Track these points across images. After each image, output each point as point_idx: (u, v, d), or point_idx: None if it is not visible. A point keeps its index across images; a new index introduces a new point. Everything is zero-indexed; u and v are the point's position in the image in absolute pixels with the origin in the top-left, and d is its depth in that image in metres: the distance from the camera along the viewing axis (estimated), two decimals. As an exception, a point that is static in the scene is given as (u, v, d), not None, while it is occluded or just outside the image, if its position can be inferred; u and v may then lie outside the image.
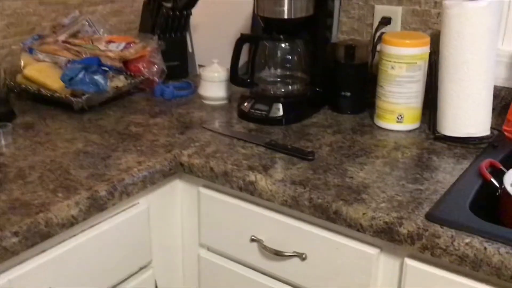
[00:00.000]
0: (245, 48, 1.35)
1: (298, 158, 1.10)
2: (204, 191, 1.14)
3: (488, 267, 0.82)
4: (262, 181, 1.02)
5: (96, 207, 0.98)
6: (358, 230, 0.93)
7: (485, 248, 0.82)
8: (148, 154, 1.12)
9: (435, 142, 1.19)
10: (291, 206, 1.00)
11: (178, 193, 1.19)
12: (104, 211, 1.00)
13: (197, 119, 1.31)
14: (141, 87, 1.48)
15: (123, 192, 1.02)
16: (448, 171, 1.05)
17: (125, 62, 1.46)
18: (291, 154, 1.11)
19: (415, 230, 0.87)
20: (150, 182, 1.07)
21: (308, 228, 1.01)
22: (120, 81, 1.37)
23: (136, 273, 1.12)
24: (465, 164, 1.08)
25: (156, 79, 1.47)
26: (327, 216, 0.96)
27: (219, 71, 1.40)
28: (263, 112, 1.27)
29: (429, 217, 0.89)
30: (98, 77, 1.27)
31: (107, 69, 1.32)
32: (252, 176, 1.04)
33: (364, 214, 0.92)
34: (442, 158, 1.11)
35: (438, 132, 1.19)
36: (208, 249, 1.19)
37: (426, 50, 1.21)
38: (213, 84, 1.39)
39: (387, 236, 0.90)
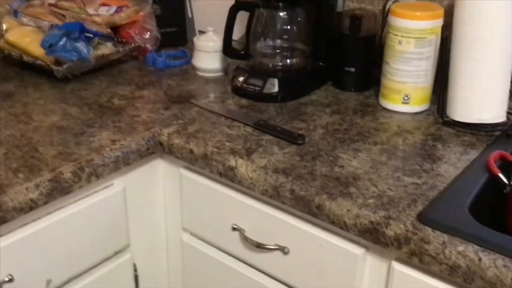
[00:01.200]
0: (245, 17, 1.24)
1: (286, 142, 1.00)
2: (186, 173, 1.05)
3: (481, 281, 0.71)
4: (242, 167, 0.93)
5: (60, 190, 0.90)
6: (341, 228, 0.83)
7: (480, 259, 0.71)
8: (125, 131, 1.04)
9: (442, 127, 1.07)
10: (272, 196, 0.90)
11: (160, 174, 1.10)
12: (71, 194, 0.93)
13: (186, 93, 1.21)
14: (134, 55, 1.39)
15: (91, 174, 0.94)
16: (452, 163, 0.94)
17: (117, 27, 1.37)
18: (279, 137, 1.01)
19: (402, 233, 0.77)
20: (123, 163, 0.99)
21: (291, 220, 0.92)
22: (107, 49, 1.28)
23: (111, 257, 1.05)
24: (473, 154, 0.97)
25: (149, 46, 1.37)
26: (309, 210, 0.86)
27: (214, 40, 1.29)
28: (257, 88, 1.17)
29: (421, 218, 0.79)
30: (79, 44, 1.18)
31: (91, 35, 1.23)
32: (232, 161, 0.95)
33: (348, 211, 0.82)
34: (448, 147, 1.00)
35: (447, 116, 1.07)
36: (192, 234, 1.11)
37: (438, 23, 1.08)
38: (208, 54, 1.29)
39: (372, 237, 0.80)
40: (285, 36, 1.23)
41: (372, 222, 0.80)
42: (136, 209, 1.08)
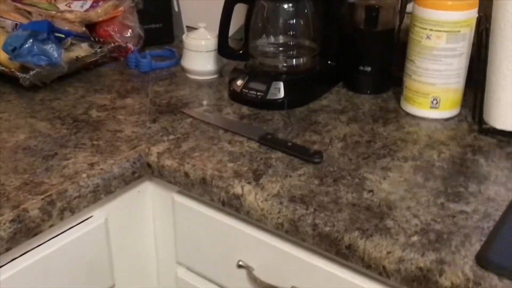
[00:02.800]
0: (243, 10, 1.07)
1: (300, 160, 0.84)
2: (180, 199, 0.88)
3: None
4: (250, 195, 0.76)
5: (25, 232, 0.73)
6: (380, 274, 0.67)
7: None
8: (105, 151, 0.86)
9: (480, 136, 0.91)
10: (288, 231, 0.74)
11: (149, 199, 0.93)
12: (39, 235, 0.75)
13: (177, 101, 1.04)
14: (114, 56, 1.21)
15: (64, 209, 0.77)
16: (502, 182, 0.78)
17: (93, 25, 1.19)
18: (292, 154, 0.85)
19: (462, 283, 0.61)
20: (104, 191, 0.82)
21: (312, 259, 0.76)
22: (82, 50, 1.10)
23: (93, 301, 0.88)
24: (524, 170, 0.81)
25: (130, 46, 1.20)
26: (337, 250, 0.70)
27: (207, 38, 1.12)
28: (259, 93, 1.00)
29: (481, 261, 0.63)
30: (48, 47, 1.00)
31: (62, 35, 1.05)
32: (237, 188, 0.78)
33: (388, 253, 0.65)
34: (492, 161, 0.84)
35: (485, 123, 0.91)
36: (188, 268, 0.94)
37: (473, 14, 0.91)
38: (199, 54, 1.12)
39: (422, 287, 0.64)
40: (290, 32, 1.05)
41: (420, 269, 0.63)
42: (121, 244, 0.90)
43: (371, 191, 0.76)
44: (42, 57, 1.00)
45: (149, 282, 0.99)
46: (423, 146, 0.88)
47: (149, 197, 0.93)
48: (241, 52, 1.04)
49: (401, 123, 0.96)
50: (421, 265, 0.63)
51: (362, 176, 0.80)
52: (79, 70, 1.14)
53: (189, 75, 1.14)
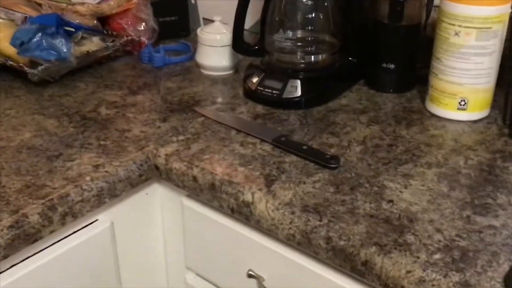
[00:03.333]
0: (259, 3, 1.02)
1: (316, 165, 0.79)
2: (189, 203, 0.84)
3: None
4: (261, 204, 0.72)
5: (24, 238, 0.69)
6: (398, 294, 0.62)
7: None
8: (112, 152, 0.82)
9: (511, 140, 0.85)
10: (301, 243, 0.69)
11: (158, 202, 0.89)
12: (40, 241, 0.72)
13: (189, 98, 0.99)
14: (127, 50, 1.17)
15: (66, 214, 0.73)
16: (535, 193, 0.72)
17: (105, 18, 1.15)
18: (307, 158, 0.80)
19: (488, 308, 0.56)
20: (109, 195, 0.78)
21: (326, 273, 0.71)
22: (93, 44, 1.06)
23: (98, 307, 0.85)
24: (559, 180, 0.75)
25: (144, 40, 1.15)
26: (352, 266, 0.65)
27: (222, 32, 1.07)
28: (275, 92, 0.95)
29: (510, 282, 0.57)
30: (57, 41, 0.96)
31: (72, 29, 1.01)
32: (248, 194, 0.73)
33: (408, 272, 0.60)
34: (524, 169, 0.78)
35: (517, 127, 0.85)
36: (197, 274, 0.91)
37: (505, 9, 0.85)
38: (214, 49, 1.07)
39: (443, 311, 0.59)
40: (309, 27, 1.00)
41: (443, 291, 0.58)
42: (129, 248, 0.87)
43: (391, 201, 0.71)
44: (51, 51, 0.97)
45: (159, 286, 0.96)
46: (449, 151, 0.82)
47: (158, 199, 0.89)
48: (256, 47, 0.99)
49: (425, 125, 0.90)
50: (443, 286, 0.58)
51: (381, 184, 0.74)
52: (91, 65, 1.11)
53: (203, 71, 1.10)
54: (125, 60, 1.16)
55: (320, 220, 0.67)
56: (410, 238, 0.64)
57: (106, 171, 0.78)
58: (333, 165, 0.77)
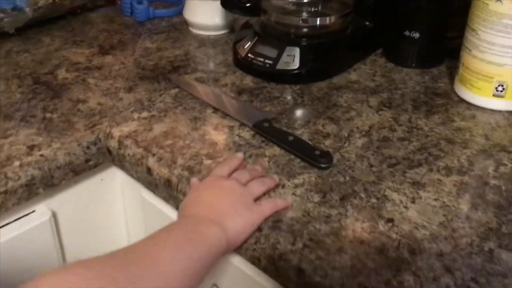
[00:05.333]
0: None
1: (302, 161, 0.62)
2: (148, 196, 0.69)
3: None
4: (222, 212, 0.56)
5: None
6: None
7: None
8: (55, 129, 0.67)
9: (560, 141, 0.66)
10: (267, 270, 0.53)
11: (118, 189, 0.75)
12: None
13: (167, 63, 0.83)
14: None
15: (-17, 209, 0.59)
16: None
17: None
18: (291, 152, 0.63)
19: None
20: (43, 184, 0.63)
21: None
22: (61, -8, 0.90)
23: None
24: None
25: (127, -12, 0.98)
26: (327, 311, 0.49)
27: (214, -18, 0.89)
28: (268, 61, 0.77)
29: None
30: (11, -12, 0.80)
31: (31, -27, 0.85)
32: (208, 198, 0.57)
33: (398, 333, 0.44)
34: None
35: None
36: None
37: None
38: (205, 4, 0.89)
39: None
40: (316, -19, 0.81)
41: None
42: (78, 243, 0.73)
43: (391, 220, 0.54)
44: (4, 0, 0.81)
45: None
46: (476, 151, 0.64)
47: (118, 186, 0.74)
48: (248, 4, 0.81)
49: (450, 114, 0.72)
50: None
51: (382, 195, 0.57)
52: (64, 15, 0.95)
53: (191, 29, 0.93)
54: (105, 11, 0.99)
55: (293, 244, 0.51)
56: (408, 279, 0.48)
57: (41, 155, 0.63)
58: (322, 165, 0.60)
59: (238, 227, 0.51)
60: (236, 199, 0.53)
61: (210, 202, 0.52)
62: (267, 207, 0.54)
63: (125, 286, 0.40)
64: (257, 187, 0.56)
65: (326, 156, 0.61)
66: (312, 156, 0.61)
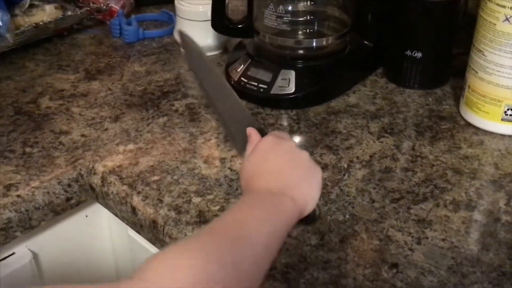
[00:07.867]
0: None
1: (299, 198, 0.58)
2: (135, 235, 0.64)
3: None
4: (212, 259, 0.52)
5: None
6: None
7: None
8: (35, 165, 0.63)
9: None
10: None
11: (105, 226, 0.70)
12: None
13: (156, 88, 0.79)
14: (99, 19, 0.96)
15: (-47, 257, 0.55)
16: None
17: (69, -20, 0.94)
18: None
19: None
20: (21, 227, 0.59)
21: None
22: (45, 14, 0.86)
23: None
24: None
25: (116, 7, 0.94)
26: None
27: (205, 2, 0.85)
28: (262, 85, 0.73)
29: None
30: (-10, 13, 0.76)
31: (13, -4, 0.81)
32: (196, 243, 0.53)
33: None
34: None
35: None
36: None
37: None
38: (196, 24, 0.85)
39: None
40: None
41: None
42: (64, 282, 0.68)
43: (395, 265, 0.50)
44: (-15, 25, 0.77)
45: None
46: (486, 182, 0.60)
47: (104, 222, 0.70)
48: (240, 26, 0.77)
49: (456, 140, 0.67)
50: None
51: (385, 235, 0.53)
52: (50, 37, 0.91)
53: (182, 50, 0.88)
54: (93, 32, 0.95)
55: (286, 297, 0.47)
56: (415, 337, 0.43)
57: (18, 195, 0.59)
58: (305, 223, 0.53)
59: (308, 197, 0.46)
60: (301, 165, 0.48)
61: (278, 170, 0.46)
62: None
63: (230, 271, 0.36)
64: None
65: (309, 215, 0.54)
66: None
